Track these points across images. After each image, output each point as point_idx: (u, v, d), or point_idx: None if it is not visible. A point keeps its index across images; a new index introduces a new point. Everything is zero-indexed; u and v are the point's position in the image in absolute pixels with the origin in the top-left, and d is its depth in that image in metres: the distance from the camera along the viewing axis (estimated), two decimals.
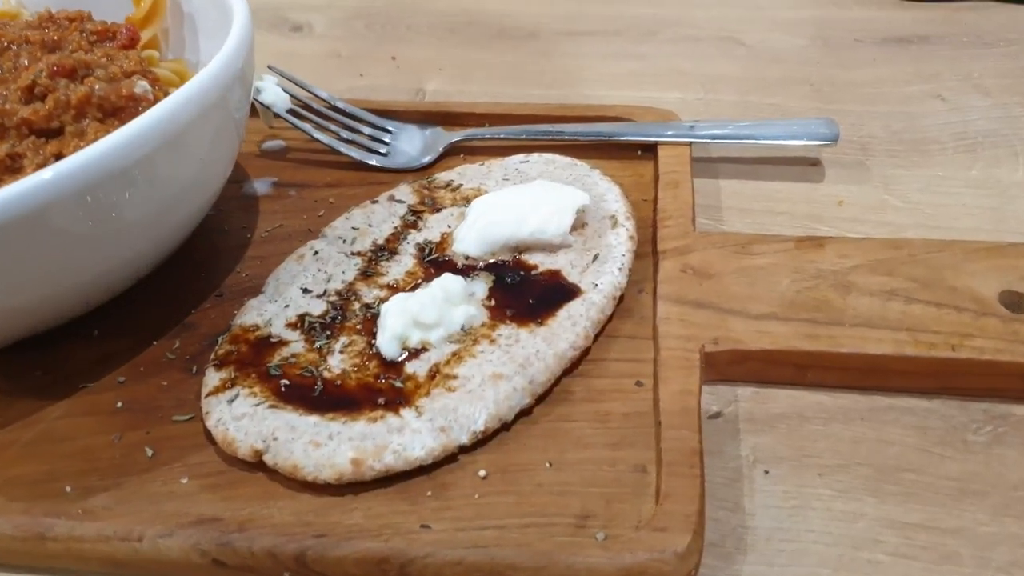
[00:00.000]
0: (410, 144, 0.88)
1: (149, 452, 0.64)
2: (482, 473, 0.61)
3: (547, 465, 0.61)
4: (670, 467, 0.59)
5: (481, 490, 0.60)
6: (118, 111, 0.65)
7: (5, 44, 0.67)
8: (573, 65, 1.01)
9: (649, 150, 0.86)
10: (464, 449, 0.62)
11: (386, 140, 0.88)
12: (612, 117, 0.88)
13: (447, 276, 0.70)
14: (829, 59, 1.00)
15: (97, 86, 0.64)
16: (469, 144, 0.88)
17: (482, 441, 0.63)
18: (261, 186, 0.85)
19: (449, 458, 0.62)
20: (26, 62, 0.66)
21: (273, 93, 0.84)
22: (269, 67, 0.86)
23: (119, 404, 0.67)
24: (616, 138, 0.85)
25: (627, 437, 0.63)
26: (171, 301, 0.75)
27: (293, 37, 1.05)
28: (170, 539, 0.58)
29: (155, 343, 0.72)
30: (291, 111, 0.86)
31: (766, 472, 0.62)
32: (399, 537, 0.57)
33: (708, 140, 0.84)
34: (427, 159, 0.86)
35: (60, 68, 0.64)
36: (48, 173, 0.55)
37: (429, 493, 0.60)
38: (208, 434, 0.64)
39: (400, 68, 1.02)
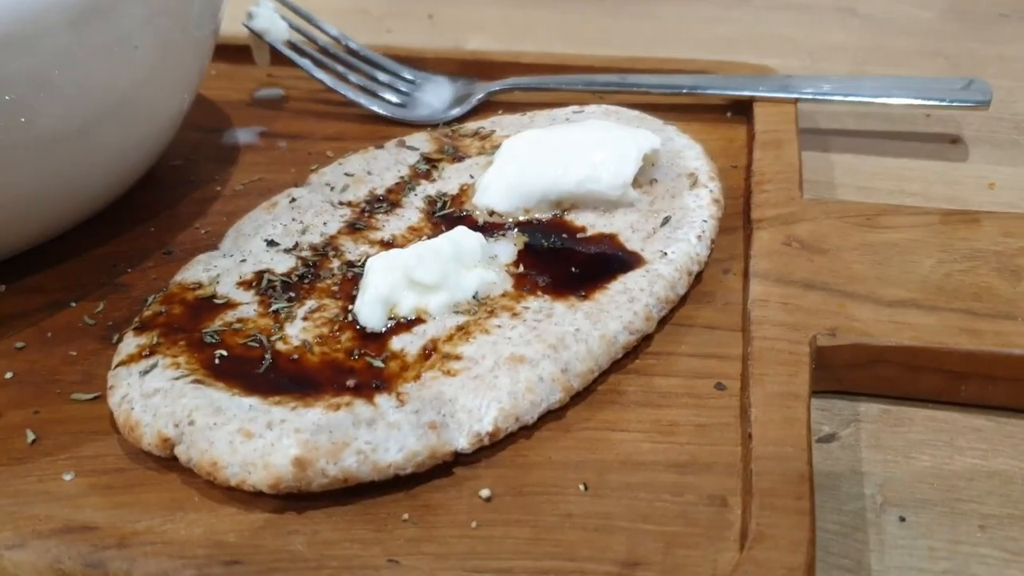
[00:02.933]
0: (436, 96, 0.70)
1: (31, 437, 0.46)
2: (485, 493, 0.42)
3: (581, 488, 0.42)
4: (765, 499, 0.40)
5: (481, 517, 0.41)
6: None
7: None
8: (646, 27, 0.84)
9: (741, 112, 0.67)
10: (462, 458, 0.43)
11: (403, 89, 0.70)
12: (693, 71, 0.70)
13: (460, 229, 0.51)
14: (968, 33, 0.82)
15: None
16: (510, 97, 0.70)
17: (488, 448, 0.44)
18: (245, 135, 0.68)
19: (440, 469, 0.43)
20: None
21: (268, 19, 0.68)
22: None
23: (8, 375, 0.50)
24: (701, 92, 0.67)
25: (700, 456, 0.44)
26: (105, 258, 0.58)
27: None
28: (20, 551, 0.40)
29: (73, 305, 0.54)
30: (290, 45, 0.69)
31: (902, 519, 0.43)
32: (348, 573, 0.37)
33: (819, 98, 0.65)
34: (455, 111, 0.68)
35: None
36: None
37: (406, 516, 0.42)
38: (113, 420, 0.46)
39: (436, 27, 0.85)
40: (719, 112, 0.68)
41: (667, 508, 0.41)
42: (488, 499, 0.42)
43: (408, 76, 0.71)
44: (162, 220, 0.60)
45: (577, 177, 0.54)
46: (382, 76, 0.71)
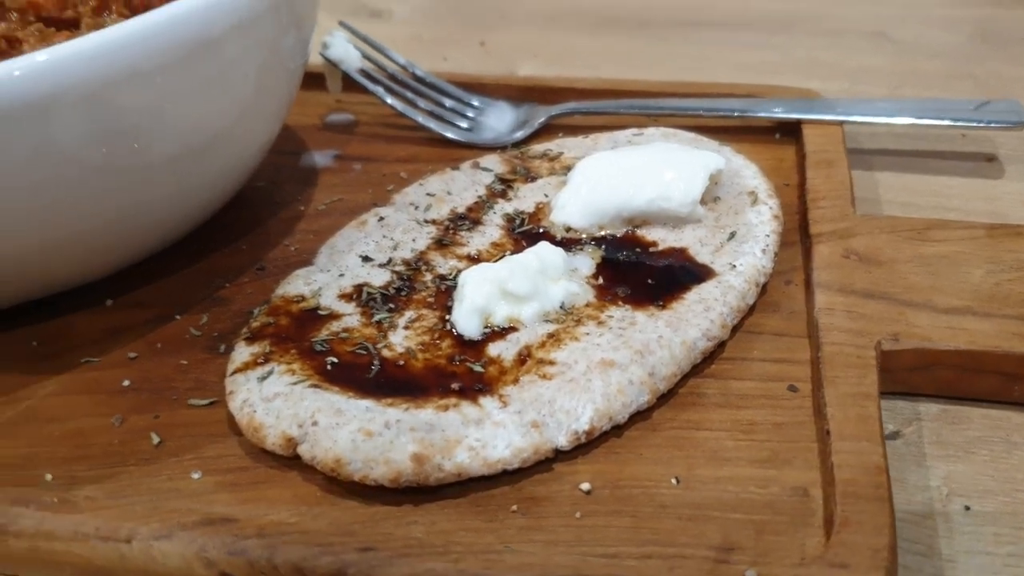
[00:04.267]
0: (499, 120, 0.74)
1: (155, 439, 0.50)
2: (585, 486, 0.46)
3: (673, 482, 0.46)
4: (847, 487, 0.43)
5: (584, 508, 0.45)
6: (149, 10, 0.52)
7: None
8: (693, 53, 0.88)
9: (789, 133, 0.71)
10: (560, 455, 0.47)
11: (469, 115, 0.74)
12: (742, 95, 0.74)
13: (544, 244, 0.55)
14: (996, 55, 0.86)
15: None
16: (570, 121, 0.74)
17: (584, 446, 0.48)
18: (322, 158, 0.72)
19: (541, 464, 0.47)
20: None
21: (342, 49, 0.72)
22: (341, 23, 0.74)
23: (126, 383, 0.54)
24: (752, 115, 0.71)
25: (780, 452, 0.47)
26: (202, 273, 0.61)
27: (372, 23, 0.93)
28: (167, 542, 0.43)
29: (178, 318, 0.58)
30: (363, 73, 0.73)
31: (967, 508, 0.47)
32: (473, 557, 0.41)
33: (865, 120, 0.69)
34: (519, 134, 0.72)
35: None
36: (44, 55, 0.43)
37: (514, 508, 0.45)
38: (231, 423, 0.50)
39: (490, 53, 0.89)
40: (768, 133, 0.72)
41: (754, 499, 0.45)
42: (588, 492, 0.46)
43: (472, 101, 0.75)
44: (252, 238, 0.64)
45: (649, 196, 0.57)
46: (448, 102, 0.75)
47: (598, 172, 0.59)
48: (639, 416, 0.49)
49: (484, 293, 0.52)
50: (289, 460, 0.48)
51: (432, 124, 0.72)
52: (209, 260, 0.62)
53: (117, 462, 0.49)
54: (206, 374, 0.54)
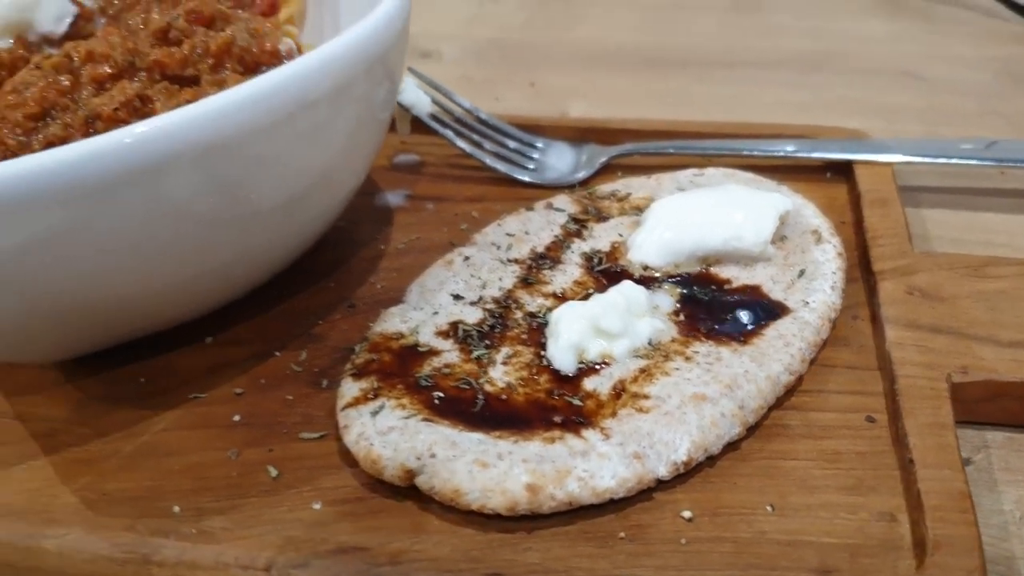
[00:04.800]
0: (560, 160, 0.78)
1: (273, 472, 0.53)
2: (687, 514, 0.49)
3: (768, 509, 0.49)
4: (935, 513, 0.47)
5: (688, 534, 0.48)
6: (258, 66, 0.56)
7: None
8: (731, 93, 0.92)
9: (839, 172, 0.75)
10: (659, 484, 0.50)
11: (533, 155, 0.78)
12: (792, 135, 0.77)
13: (627, 283, 0.58)
14: (1022, 93, 0.89)
15: (239, 36, 0.55)
16: (627, 161, 0.77)
17: (681, 475, 0.51)
18: (394, 198, 0.75)
19: (641, 495, 0.50)
20: (156, 16, 0.58)
21: (414, 94, 0.75)
22: (409, 69, 0.77)
23: (236, 417, 0.56)
24: (806, 155, 0.74)
25: (865, 480, 0.51)
26: (295, 311, 0.64)
27: (423, 64, 0.97)
28: (304, 570, 0.46)
29: (278, 354, 0.61)
30: (432, 116, 0.76)
31: None
32: None
33: (915, 160, 0.72)
34: (581, 175, 0.76)
35: (198, 16, 0.56)
36: (175, 116, 0.46)
37: (622, 535, 0.48)
38: (344, 455, 0.53)
39: (540, 94, 0.93)
40: (818, 172, 0.75)
41: (845, 524, 0.48)
42: (690, 519, 0.49)
43: (534, 143, 0.78)
44: (339, 276, 0.67)
45: (723, 236, 0.61)
46: (511, 143, 0.78)
47: (673, 213, 0.62)
48: (729, 447, 0.52)
49: (578, 330, 0.55)
50: (403, 490, 0.51)
51: (500, 166, 0.76)
52: (300, 298, 0.65)
53: (239, 494, 0.51)
54: (312, 408, 0.57)
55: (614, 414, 0.52)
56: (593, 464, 0.49)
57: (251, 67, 0.56)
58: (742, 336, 0.57)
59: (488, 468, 0.49)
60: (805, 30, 1.04)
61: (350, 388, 0.55)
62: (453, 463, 0.49)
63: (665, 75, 0.96)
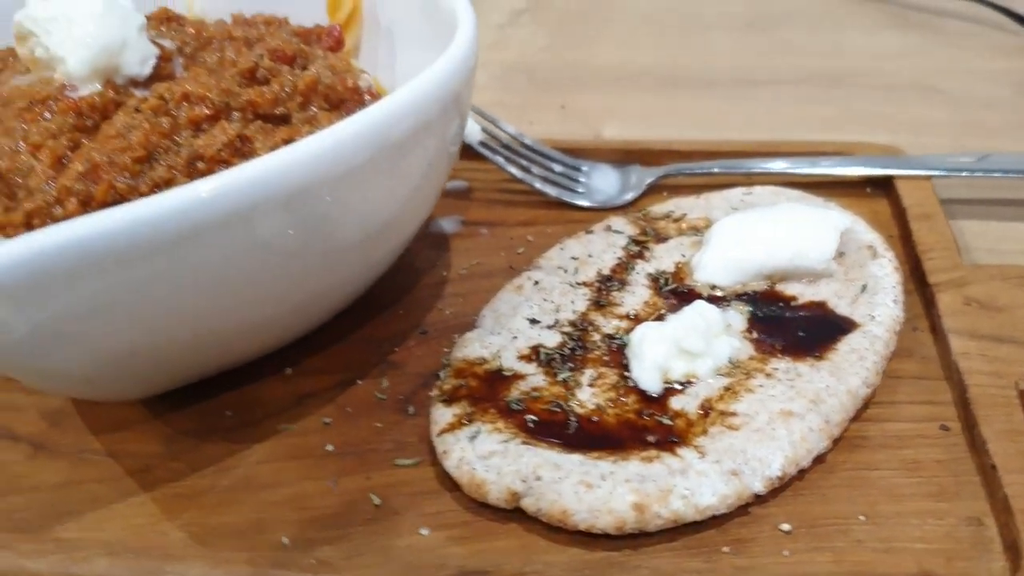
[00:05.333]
0: (605, 182, 0.80)
1: (376, 500, 0.54)
2: (785, 527, 0.51)
3: (861, 519, 0.51)
4: None
5: (789, 546, 0.50)
6: (342, 103, 0.57)
7: (207, 38, 0.60)
8: (760, 110, 0.94)
9: (878, 186, 0.77)
10: (755, 499, 0.52)
11: (580, 179, 0.79)
12: (831, 152, 0.80)
13: (701, 303, 0.60)
14: None
15: (322, 73, 0.56)
16: (672, 181, 0.79)
17: (773, 489, 0.52)
18: (448, 224, 0.77)
19: (738, 510, 0.52)
20: (232, 56, 0.59)
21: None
22: None
23: (329, 447, 0.58)
24: (849, 172, 0.77)
25: (947, 487, 0.53)
26: (369, 339, 0.66)
27: None
28: None
29: (360, 382, 0.62)
30: (482, 143, 0.78)
31: None
32: None
33: (953, 175, 0.75)
34: (630, 196, 0.78)
35: (281, 54, 0.57)
36: (271, 160, 0.47)
37: (726, 549, 0.50)
38: (442, 480, 0.54)
39: (571, 116, 0.95)
40: (858, 188, 0.78)
41: (935, 529, 0.50)
42: (788, 532, 0.51)
43: (579, 166, 0.80)
44: (407, 303, 0.68)
45: (788, 254, 0.63)
46: (557, 167, 0.80)
47: (736, 233, 0.64)
48: (816, 460, 0.54)
49: (662, 351, 0.57)
50: (506, 512, 0.52)
51: (550, 190, 0.77)
52: (371, 325, 0.66)
53: (345, 523, 0.53)
54: (402, 435, 0.58)
55: (705, 432, 0.54)
56: (693, 482, 0.51)
57: (335, 104, 0.57)
58: (817, 351, 0.58)
59: (593, 489, 0.50)
60: (821, 46, 1.07)
61: (443, 414, 0.57)
62: (559, 484, 0.51)
63: (692, 94, 0.98)
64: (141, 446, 0.58)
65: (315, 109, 0.56)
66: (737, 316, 0.62)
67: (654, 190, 0.79)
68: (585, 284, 0.66)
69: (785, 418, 0.54)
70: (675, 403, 0.56)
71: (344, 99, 0.57)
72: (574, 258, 0.68)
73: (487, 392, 0.58)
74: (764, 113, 0.93)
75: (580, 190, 0.78)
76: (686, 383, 0.57)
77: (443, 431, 0.55)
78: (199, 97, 0.53)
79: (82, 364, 0.51)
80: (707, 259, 0.64)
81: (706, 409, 0.55)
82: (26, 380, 0.56)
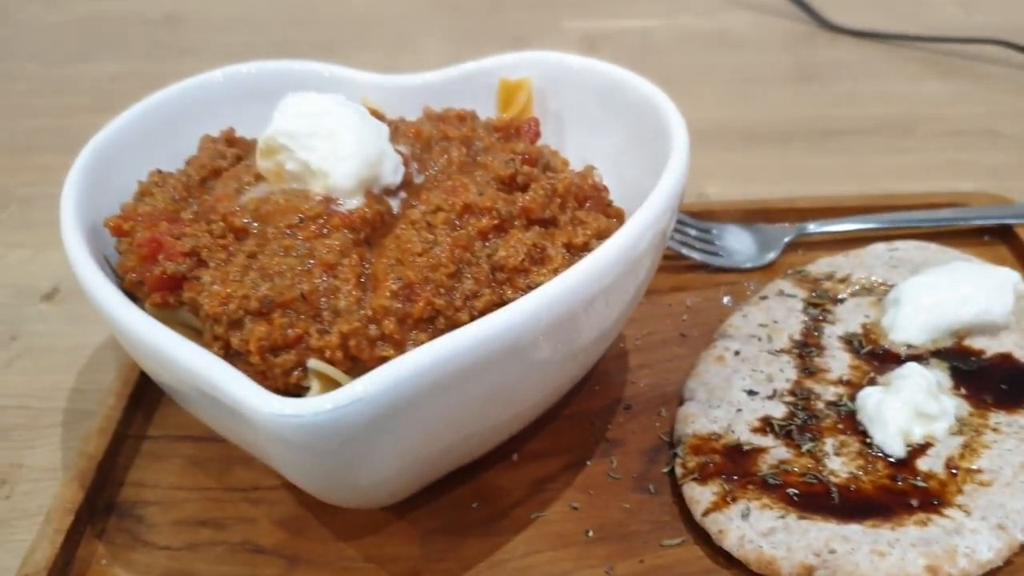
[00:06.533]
0: (738, 242, 0.83)
1: None
2: None
3: None
4: None
5: None
6: (587, 199, 0.59)
7: (426, 139, 0.61)
8: (841, 162, 0.98)
9: (995, 235, 0.82)
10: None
11: (714, 241, 0.82)
12: (943, 204, 0.85)
13: (914, 365, 0.64)
14: None
15: (573, 174, 0.58)
16: (805, 239, 0.83)
17: None
18: None
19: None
20: (455, 155, 0.60)
21: None
22: None
23: (589, 533, 0.59)
24: (972, 222, 0.82)
25: None
26: (579, 416, 0.67)
27: None
28: None
29: (588, 463, 0.63)
30: None
31: None
32: None
33: None
34: (771, 256, 0.81)
35: (529, 158, 0.58)
36: (567, 281, 0.50)
37: None
38: (715, 558, 0.56)
39: None
40: (974, 236, 0.82)
41: None
42: None
43: (709, 228, 0.83)
44: (598, 377, 0.70)
45: (974, 311, 0.67)
46: (691, 231, 0.82)
47: (924, 294, 0.68)
48: None
49: (904, 417, 0.60)
50: None
51: (695, 254, 0.80)
52: (577, 403, 0.68)
53: None
54: (656, 515, 0.59)
55: (960, 491, 0.57)
56: (969, 540, 0.54)
57: (582, 202, 0.58)
58: None
59: (885, 557, 0.53)
60: (875, 96, 1.12)
61: (699, 493, 0.58)
62: (853, 556, 0.53)
63: (774, 148, 1.01)
64: (398, 549, 0.58)
65: (571, 210, 0.57)
66: (940, 374, 0.65)
67: (789, 248, 0.82)
68: (784, 351, 0.68)
69: None
70: (922, 465, 0.59)
71: (588, 196, 0.59)
72: (762, 325, 0.71)
73: (735, 467, 0.60)
74: (845, 165, 0.98)
75: (720, 252, 0.81)
76: (925, 445, 0.60)
77: (708, 511, 0.57)
78: (484, 208, 0.54)
79: (386, 475, 0.51)
80: (901, 320, 0.68)
81: (951, 468, 0.58)
82: (314, 488, 0.55)
